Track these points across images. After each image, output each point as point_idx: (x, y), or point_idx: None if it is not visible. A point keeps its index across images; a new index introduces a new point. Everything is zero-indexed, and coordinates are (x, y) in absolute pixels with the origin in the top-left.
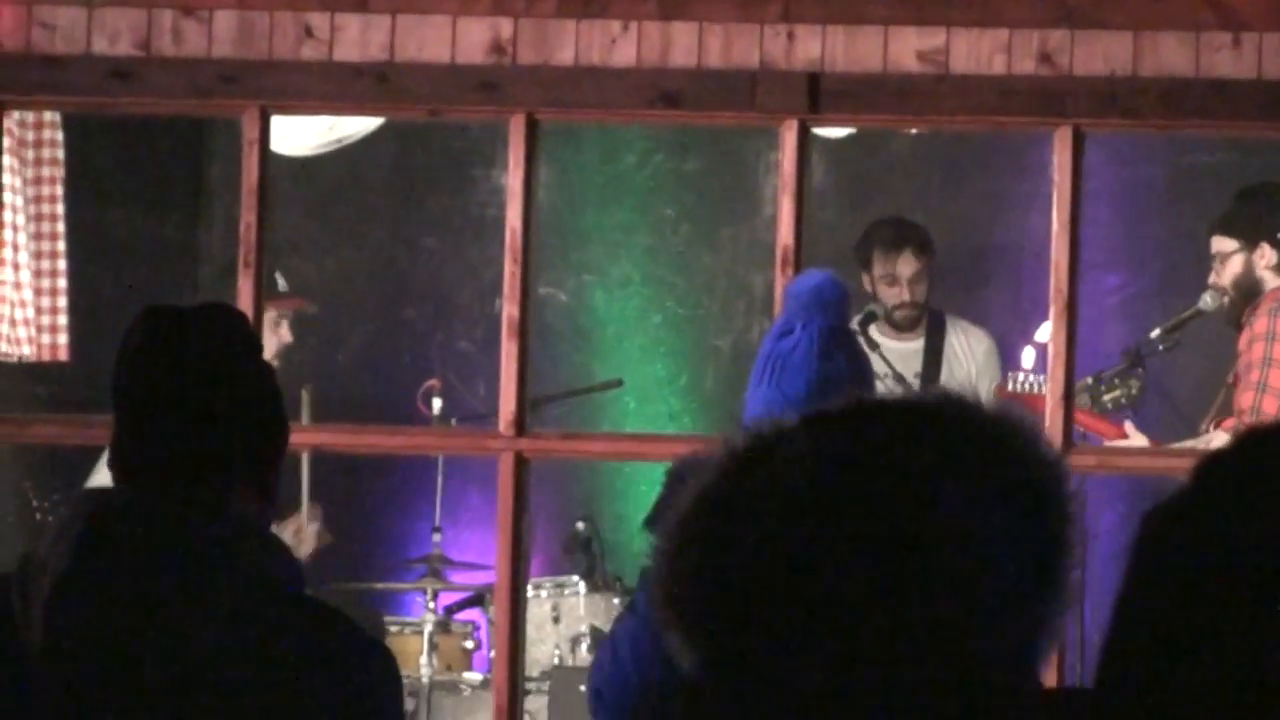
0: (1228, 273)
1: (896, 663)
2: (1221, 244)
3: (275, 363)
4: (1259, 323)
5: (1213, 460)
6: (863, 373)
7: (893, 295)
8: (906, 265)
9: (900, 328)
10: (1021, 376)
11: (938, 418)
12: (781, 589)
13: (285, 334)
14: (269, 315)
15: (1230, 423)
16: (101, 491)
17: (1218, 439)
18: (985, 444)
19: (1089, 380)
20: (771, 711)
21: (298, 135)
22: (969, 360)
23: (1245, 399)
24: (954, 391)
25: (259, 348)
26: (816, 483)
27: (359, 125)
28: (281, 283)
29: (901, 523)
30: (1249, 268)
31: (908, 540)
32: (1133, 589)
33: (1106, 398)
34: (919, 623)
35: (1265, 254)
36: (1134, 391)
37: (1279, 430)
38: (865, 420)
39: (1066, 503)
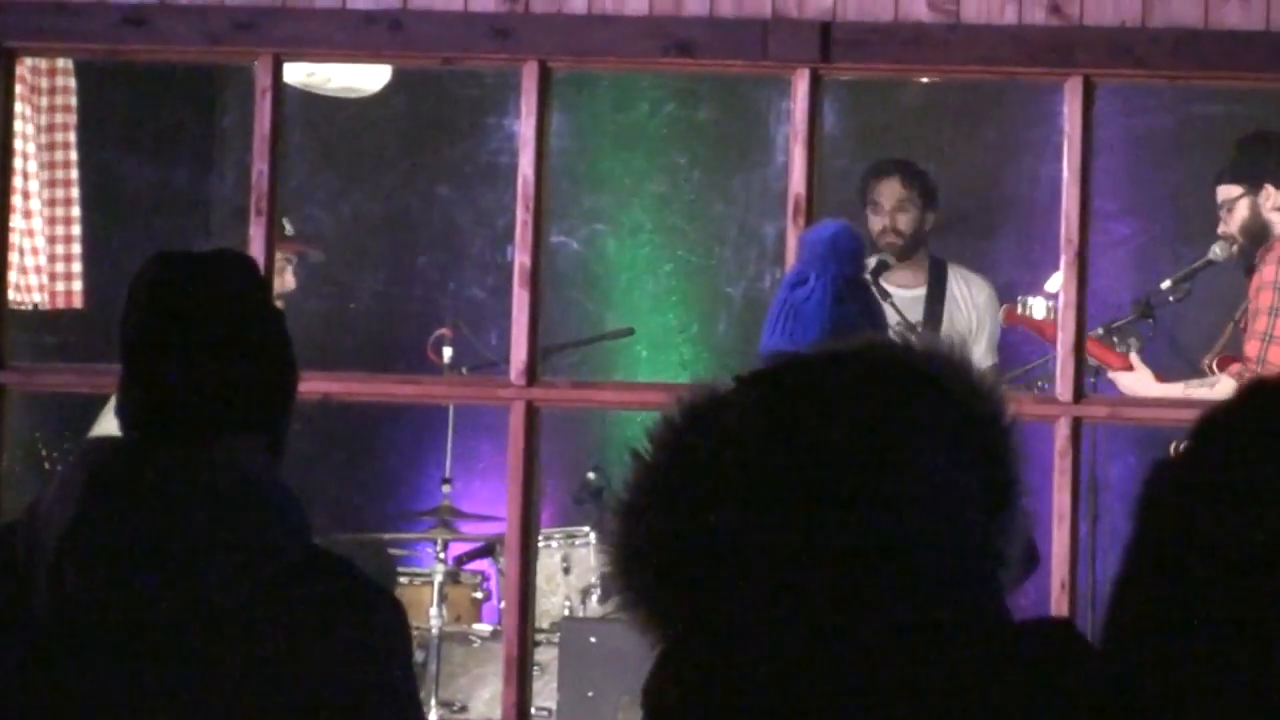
0: (1235, 219)
1: (862, 610)
2: (1226, 192)
3: (279, 304)
4: (1268, 270)
5: (1215, 415)
6: (876, 322)
7: (877, 223)
8: (890, 193)
9: (886, 254)
10: (1029, 300)
11: (872, 365)
12: (735, 556)
13: (289, 280)
14: (280, 260)
15: (1235, 366)
16: (108, 441)
17: (1223, 384)
18: (922, 384)
19: (1100, 330)
20: (741, 675)
21: None
22: (970, 308)
23: (1252, 348)
24: (881, 337)
25: (270, 295)
26: (759, 447)
27: (339, 82)
28: (288, 228)
29: (849, 476)
30: (1255, 211)
31: (857, 492)
32: (1139, 544)
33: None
34: (877, 570)
35: (1270, 195)
36: (1134, 350)
37: (1278, 384)
38: (801, 377)
39: (1007, 433)
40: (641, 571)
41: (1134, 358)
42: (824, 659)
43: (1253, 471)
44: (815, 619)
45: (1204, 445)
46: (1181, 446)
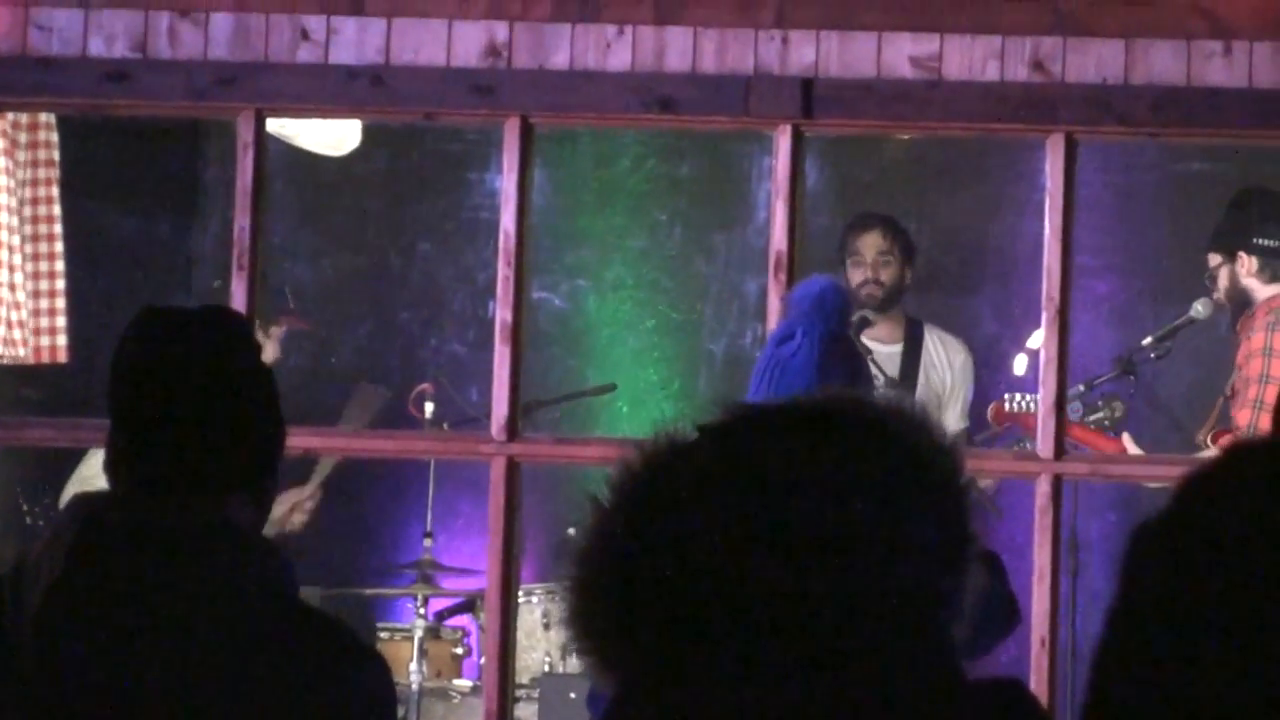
0: (1221, 287)
1: (813, 663)
2: (1212, 259)
3: None
4: (1256, 337)
5: (1198, 475)
6: (861, 379)
7: (858, 274)
8: (871, 244)
9: (865, 306)
10: (1017, 396)
11: (830, 421)
12: (688, 605)
13: (276, 350)
14: (275, 330)
15: (1228, 439)
16: (96, 497)
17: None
18: (882, 440)
19: (1081, 387)
20: None
21: None
22: (945, 370)
23: (1243, 416)
24: (845, 391)
25: (258, 352)
26: (716, 497)
27: (307, 141)
28: (289, 299)
29: (804, 531)
30: (1234, 279)
31: (811, 547)
32: (1122, 605)
33: (1090, 419)
34: (830, 624)
35: (1245, 262)
36: (1117, 414)
37: (1264, 446)
38: (762, 428)
39: (964, 492)
40: (598, 615)
41: (1126, 439)
42: (772, 711)
43: (1235, 533)
44: (764, 673)
45: (1186, 506)
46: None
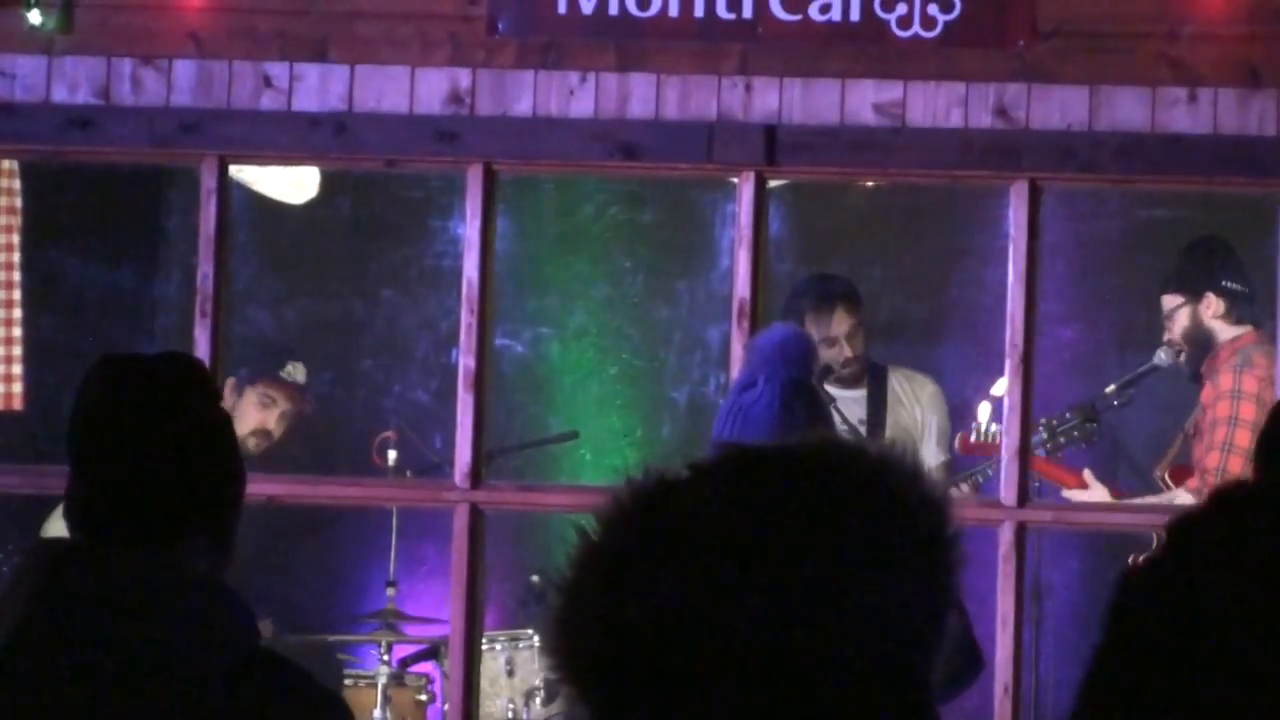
0: (1177, 328)
1: (794, 704)
2: (1169, 301)
3: (250, 441)
4: (1223, 378)
5: (1187, 524)
6: (824, 425)
7: (833, 355)
8: (841, 324)
9: (846, 383)
10: (983, 426)
11: (820, 466)
12: (670, 642)
13: (273, 424)
14: (282, 405)
15: (1193, 481)
16: (57, 543)
17: (1180, 497)
18: (869, 489)
19: (1042, 430)
20: None
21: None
22: (913, 404)
23: (1212, 459)
24: (837, 438)
25: (218, 398)
26: (704, 537)
27: (264, 188)
28: (301, 374)
29: (789, 575)
30: (1196, 319)
31: (800, 589)
32: (1109, 652)
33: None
34: (809, 672)
35: (1211, 304)
36: (1077, 435)
37: (1250, 491)
38: (751, 471)
39: (951, 545)
40: (578, 647)
41: (1087, 474)
42: None
43: (1227, 578)
44: (742, 715)
45: (1177, 555)
46: (1143, 557)
